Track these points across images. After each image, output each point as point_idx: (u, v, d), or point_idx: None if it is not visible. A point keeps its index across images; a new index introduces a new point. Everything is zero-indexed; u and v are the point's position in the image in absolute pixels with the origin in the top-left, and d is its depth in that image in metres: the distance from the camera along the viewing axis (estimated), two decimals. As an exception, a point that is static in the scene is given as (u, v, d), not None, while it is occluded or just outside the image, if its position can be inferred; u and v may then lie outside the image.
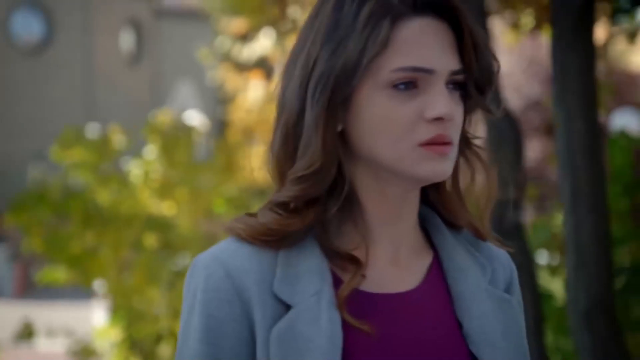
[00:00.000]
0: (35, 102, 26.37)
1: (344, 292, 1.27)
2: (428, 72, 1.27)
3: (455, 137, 1.29)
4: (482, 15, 3.90)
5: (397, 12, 1.28)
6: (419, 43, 1.27)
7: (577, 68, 3.40)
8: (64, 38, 26.90)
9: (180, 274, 6.58)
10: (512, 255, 4.36)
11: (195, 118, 7.79)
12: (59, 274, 6.73)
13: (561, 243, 4.45)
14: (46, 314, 14.36)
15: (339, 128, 1.30)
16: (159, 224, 6.60)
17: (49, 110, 26.33)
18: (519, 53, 16.04)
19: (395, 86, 1.27)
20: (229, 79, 17.93)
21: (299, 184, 1.29)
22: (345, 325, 1.27)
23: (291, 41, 10.67)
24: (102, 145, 7.01)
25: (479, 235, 1.40)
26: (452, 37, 1.30)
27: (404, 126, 1.27)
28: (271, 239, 1.29)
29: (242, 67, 19.91)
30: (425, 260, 1.37)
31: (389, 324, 1.30)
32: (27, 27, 26.75)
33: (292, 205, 1.29)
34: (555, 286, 5.07)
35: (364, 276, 1.30)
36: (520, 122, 4.04)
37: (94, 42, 27.18)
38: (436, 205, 1.39)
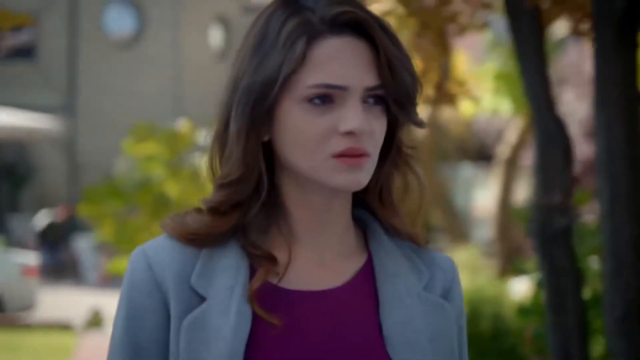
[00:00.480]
0: (125, 95, 26.87)
1: (254, 285, 1.36)
2: (341, 88, 1.35)
3: (372, 149, 1.36)
4: (536, 25, 3.93)
5: (315, 31, 1.36)
6: (333, 61, 1.35)
7: (618, 76, 3.42)
8: (154, 33, 27.37)
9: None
10: (558, 260, 4.30)
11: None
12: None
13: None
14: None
15: (266, 138, 1.39)
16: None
17: (138, 104, 26.80)
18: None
19: (310, 101, 1.35)
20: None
21: (222, 190, 1.40)
22: (257, 318, 1.36)
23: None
24: (174, 139, 7.15)
25: (415, 242, 1.46)
26: (371, 54, 1.36)
27: (318, 138, 1.35)
28: (196, 238, 1.38)
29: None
30: (356, 263, 1.43)
31: (304, 318, 1.37)
32: (119, 21, 27.28)
33: (219, 208, 1.39)
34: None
35: (277, 273, 1.38)
36: (567, 126, 4.05)
37: (183, 38, 27.59)
38: (374, 212, 1.46)
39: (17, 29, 24.97)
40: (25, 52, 25.92)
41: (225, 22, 28.77)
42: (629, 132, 3.48)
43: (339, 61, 1.35)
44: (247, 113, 1.38)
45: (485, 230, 17.83)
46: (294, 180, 1.39)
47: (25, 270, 14.03)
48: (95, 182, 20.83)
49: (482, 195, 21.13)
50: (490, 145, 17.89)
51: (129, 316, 1.37)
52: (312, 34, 1.36)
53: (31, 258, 14.76)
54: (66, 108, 26.37)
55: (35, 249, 19.52)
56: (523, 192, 16.77)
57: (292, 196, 1.40)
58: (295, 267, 1.40)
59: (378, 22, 1.36)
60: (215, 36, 28.82)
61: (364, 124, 1.34)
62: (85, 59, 26.58)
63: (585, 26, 3.86)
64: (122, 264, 6.88)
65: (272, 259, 1.38)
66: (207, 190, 5.82)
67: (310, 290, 1.39)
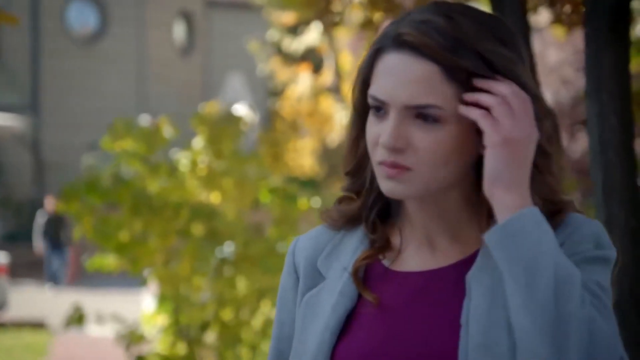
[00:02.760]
0: (89, 93, 26.70)
1: (355, 265, 1.47)
2: (382, 102, 1.42)
3: (414, 164, 1.40)
4: (521, 12, 3.96)
5: (383, 44, 1.44)
6: (385, 75, 1.42)
7: (611, 65, 3.46)
8: (117, 30, 27.21)
9: (225, 262, 6.68)
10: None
11: (243, 110, 7.92)
12: (108, 261, 6.88)
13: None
14: (96, 301, 14.60)
15: None
16: (206, 213, 6.72)
17: (102, 101, 26.65)
18: (568, 45, 15.95)
19: (372, 108, 1.45)
20: (278, 71, 18.04)
21: (345, 179, 1.54)
22: (363, 298, 1.46)
23: (338, 34, 10.75)
24: (152, 136, 7.14)
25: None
26: (427, 72, 1.39)
27: (371, 144, 1.45)
28: (331, 222, 1.52)
29: (291, 59, 20.00)
30: (471, 247, 1.46)
31: (401, 298, 1.45)
32: (82, 18, 27.10)
33: (345, 195, 1.53)
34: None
35: (383, 256, 1.49)
36: (557, 116, 4.09)
37: (146, 34, 27.46)
38: None
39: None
40: (-13, 50, 25.66)
41: (188, 18, 28.67)
42: (622, 121, 3.52)
43: (388, 76, 1.41)
44: (351, 115, 1.51)
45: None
46: None
47: (-4, 270, 13.92)
48: (60, 180, 20.57)
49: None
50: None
51: (278, 295, 1.54)
52: (382, 46, 1.44)
53: (0, 256, 14.62)
54: (30, 106, 26.16)
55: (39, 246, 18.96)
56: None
57: None
58: (407, 251, 1.48)
59: (446, 45, 1.38)
60: (179, 32, 28.71)
61: (390, 140, 1.39)
62: (48, 57, 26.37)
63: (573, 15, 3.91)
64: (103, 261, 6.85)
65: (382, 242, 1.49)
66: (186, 187, 5.77)
67: (415, 271, 1.46)
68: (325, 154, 26.90)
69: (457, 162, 1.41)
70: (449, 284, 1.44)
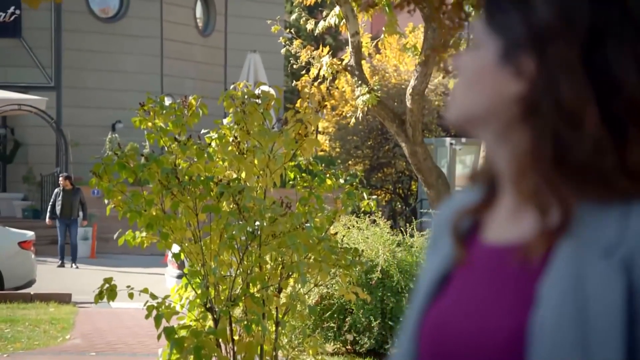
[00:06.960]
0: (110, 72, 26.77)
1: (454, 217, 1.42)
2: None
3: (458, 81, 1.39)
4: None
5: None
6: None
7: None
8: (138, 9, 27.28)
9: (253, 238, 6.79)
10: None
11: (268, 89, 8.01)
12: (138, 236, 7.00)
13: None
14: (116, 277, 14.79)
15: None
16: (235, 190, 6.84)
17: (122, 80, 26.73)
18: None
19: None
20: (299, 51, 18.08)
21: None
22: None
23: (359, 15, 10.81)
24: (182, 114, 7.25)
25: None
26: None
27: None
28: (472, 179, 1.45)
29: (311, 40, 20.11)
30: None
31: (481, 269, 1.36)
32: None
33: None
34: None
35: (482, 215, 1.41)
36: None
37: (167, 13, 27.53)
38: None
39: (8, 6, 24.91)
40: (9, 29, 25.79)
41: (207, -2, 28.73)
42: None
43: None
44: None
45: None
46: None
47: (23, 245, 14.08)
48: (83, 157, 20.46)
49: None
50: None
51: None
52: None
53: (26, 233, 14.79)
54: (52, 84, 26.29)
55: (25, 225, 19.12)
56: None
57: None
58: (498, 216, 1.39)
59: None
60: (199, 11, 28.80)
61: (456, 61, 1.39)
62: (70, 35, 26.47)
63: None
64: (132, 236, 6.98)
65: (483, 201, 1.41)
66: (215, 164, 5.88)
67: (497, 241, 1.37)
68: (344, 133, 26.98)
69: (481, 92, 1.34)
70: (516, 261, 1.32)
